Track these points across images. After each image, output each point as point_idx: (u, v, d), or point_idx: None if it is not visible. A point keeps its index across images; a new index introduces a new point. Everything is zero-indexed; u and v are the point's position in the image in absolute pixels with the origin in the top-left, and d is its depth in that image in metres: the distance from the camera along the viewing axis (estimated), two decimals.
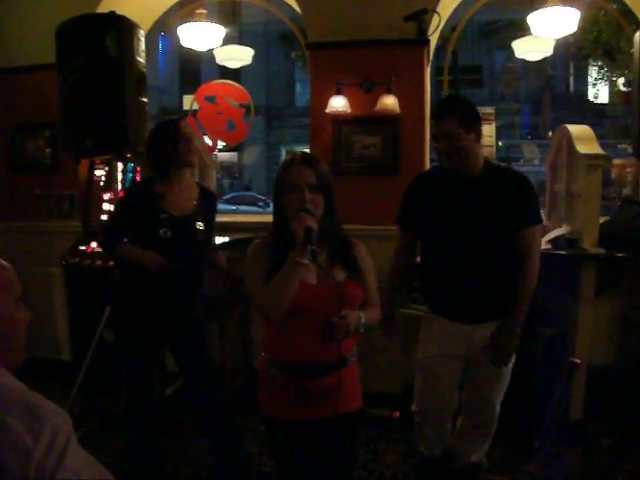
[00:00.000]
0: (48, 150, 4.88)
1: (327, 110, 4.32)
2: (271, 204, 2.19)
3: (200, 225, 2.98)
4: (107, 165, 4.54)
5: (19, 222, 4.93)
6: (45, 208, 4.89)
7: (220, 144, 5.56)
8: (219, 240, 3.63)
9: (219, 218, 3.27)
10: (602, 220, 3.81)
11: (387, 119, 4.32)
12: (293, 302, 1.93)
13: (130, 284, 3.04)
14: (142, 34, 3.71)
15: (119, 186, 4.18)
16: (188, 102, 6.22)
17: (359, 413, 2.18)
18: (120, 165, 4.21)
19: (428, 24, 4.26)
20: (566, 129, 3.87)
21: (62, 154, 4.53)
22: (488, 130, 4.61)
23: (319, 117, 4.43)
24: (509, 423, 3.02)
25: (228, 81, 5.63)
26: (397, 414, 3.88)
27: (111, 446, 3.63)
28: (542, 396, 3.32)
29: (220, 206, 3.42)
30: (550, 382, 3.23)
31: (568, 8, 4.19)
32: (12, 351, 1.26)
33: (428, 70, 4.62)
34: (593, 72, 17.24)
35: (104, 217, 4.48)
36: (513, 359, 2.70)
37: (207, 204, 3.09)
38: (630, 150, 5.58)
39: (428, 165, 4.46)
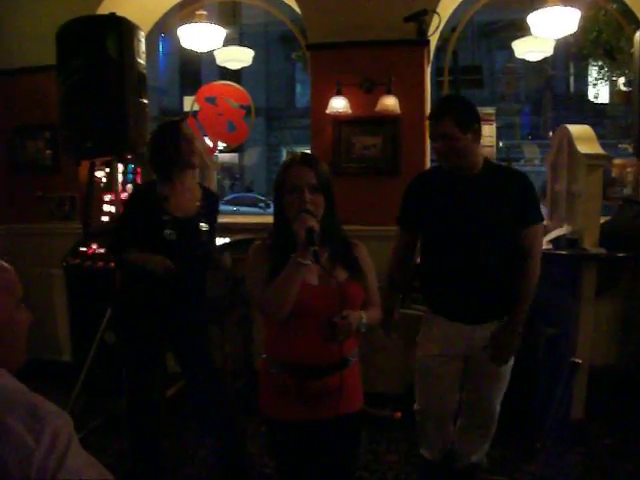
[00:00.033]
0: (48, 152, 4.88)
1: (327, 111, 4.33)
2: (272, 205, 2.19)
3: (204, 226, 2.99)
4: (108, 167, 4.55)
5: (20, 224, 4.93)
6: (46, 210, 4.89)
7: (221, 145, 5.56)
8: (219, 241, 3.62)
9: (220, 219, 3.27)
10: (603, 220, 3.81)
11: (387, 120, 4.33)
12: (295, 303, 1.93)
13: (133, 286, 3.04)
14: (142, 35, 3.72)
15: (119, 188, 4.18)
16: (188, 103, 6.22)
17: (361, 413, 2.18)
18: (120, 166, 4.21)
19: (428, 25, 4.26)
20: (566, 129, 3.87)
21: (62, 156, 4.54)
22: (488, 130, 4.61)
23: (319, 118, 4.43)
24: (510, 423, 3.02)
25: (228, 82, 5.63)
26: (399, 414, 3.88)
27: (112, 447, 3.64)
28: (543, 396, 3.32)
29: (221, 207, 3.42)
30: (551, 382, 3.23)
31: (568, 8, 4.19)
32: (13, 352, 1.26)
33: (428, 70, 4.62)
34: (593, 72, 17.22)
35: (105, 218, 4.49)
36: (512, 359, 2.69)
37: (210, 205, 3.09)
38: (630, 150, 5.58)
39: (428, 165, 4.46)
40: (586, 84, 21.12)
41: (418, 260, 2.89)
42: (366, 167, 4.41)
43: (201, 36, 5.08)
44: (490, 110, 4.76)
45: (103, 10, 4.38)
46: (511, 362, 2.70)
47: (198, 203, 3.02)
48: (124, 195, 4.59)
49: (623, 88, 11.25)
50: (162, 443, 3.22)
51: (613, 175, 5.34)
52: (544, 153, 15.79)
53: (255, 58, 6.37)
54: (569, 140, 3.82)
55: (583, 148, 3.65)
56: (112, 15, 3.53)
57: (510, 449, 3.46)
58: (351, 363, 2.08)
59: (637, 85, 4.08)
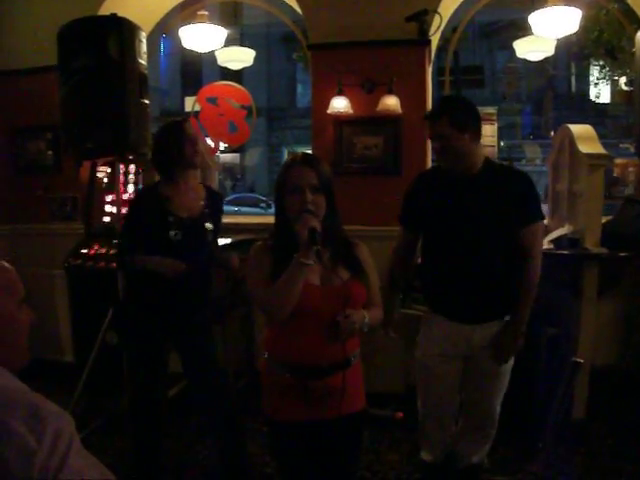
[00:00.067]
0: (50, 152, 4.89)
1: (329, 111, 4.33)
2: (273, 205, 2.19)
3: (209, 226, 2.99)
4: (110, 167, 4.55)
5: (21, 224, 4.94)
6: (47, 210, 4.90)
7: (222, 145, 5.57)
8: (221, 241, 3.62)
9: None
10: (604, 220, 3.81)
11: (389, 119, 4.33)
12: (297, 303, 1.93)
13: (138, 287, 3.05)
14: (144, 36, 3.71)
15: (121, 188, 4.19)
16: (190, 104, 6.23)
17: (363, 413, 2.18)
18: (122, 167, 4.22)
19: (429, 25, 4.26)
20: (568, 129, 3.87)
21: (64, 156, 4.54)
22: (490, 130, 4.62)
23: (321, 118, 4.43)
24: (511, 423, 3.02)
25: (230, 82, 5.64)
26: (400, 415, 3.88)
27: (114, 447, 3.64)
28: (545, 396, 3.32)
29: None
30: (552, 382, 3.23)
31: (569, 8, 4.19)
32: (14, 352, 1.26)
33: (429, 70, 4.62)
34: (595, 72, 17.22)
35: (107, 219, 4.49)
36: (512, 359, 2.69)
37: (214, 205, 3.09)
38: (632, 149, 5.58)
39: (429, 165, 4.46)
40: (587, 84, 21.11)
41: (419, 260, 2.89)
42: (367, 167, 4.41)
43: (202, 36, 5.08)
44: (491, 110, 4.76)
45: (104, 11, 4.39)
46: (511, 362, 2.70)
47: (202, 203, 3.02)
48: (125, 196, 4.60)
49: (624, 88, 11.24)
50: (163, 443, 3.22)
51: (615, 175, 5.35)
52: (545, 153, 15.80)
53: (256, 58, 6.37)
54: (570, 140, 3.82)
55: (584, 148, 3.65)
56: (113, 16, 3.53)
57: (511, 449, 3.45)
58: (353, 363, 2.08)
59: (638, 84, 4.08)
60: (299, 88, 24.38)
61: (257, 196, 20.93)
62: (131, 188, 4.71)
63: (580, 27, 4.51)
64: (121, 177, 4.25)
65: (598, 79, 16.30)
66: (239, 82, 6.02)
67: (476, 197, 2.59)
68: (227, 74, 6.97)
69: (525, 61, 6.87)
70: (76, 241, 4.66)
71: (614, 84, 15.97)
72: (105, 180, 4.62)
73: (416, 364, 2.84)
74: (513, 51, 5.79)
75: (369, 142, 4.40)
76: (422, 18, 4.18)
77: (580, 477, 3.22)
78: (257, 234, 3.82)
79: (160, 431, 3.15)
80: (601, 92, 19.37)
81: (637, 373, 3.81)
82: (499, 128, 4.85)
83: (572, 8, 4.19)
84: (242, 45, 6.85)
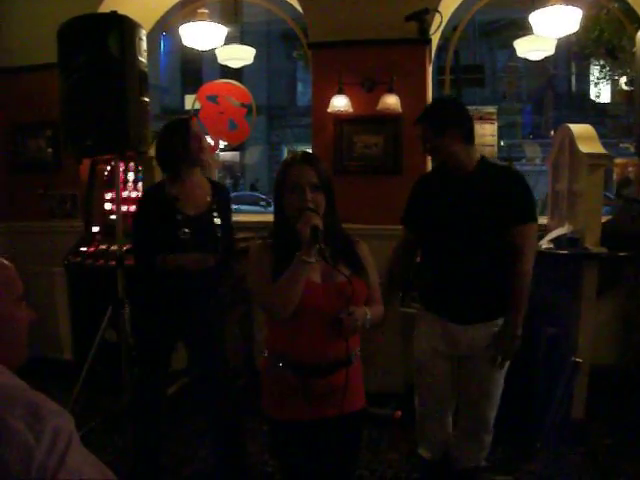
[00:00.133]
0: (50, 150, 4.88)
1: (329, 109, 4.33)
2: (272, 204, 2.18)
3: (217, 221, 2.99)
4: (109, 164, 4.56)
5: (21, 222, 4.94)
6: (47, 208, 4.90)
7: (222, 144, 5.57)
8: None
9: None
10: (604, 219, 3.81)
11: (389, 118, 4.32)
12: (299, 301, 1.92)
13: (148, 284, 3.05)
14: (144, 34, 3.71)
15: (121, 186, 4.19)
16: (190, 102, 6.23)
17: (362, 412, 2.18)
18: (122, 165, 4.21)
19: (430, 24, 4.26)
20: (568, 128, 3.87)
21: (64, 154, 4.53)
22: (490, 129, 4.63)
23: (321, 116, 4.43)
24: (511, 422, 3.02)
25: (230, 80, 5.63)
26: (399, 413, 3.88)
27: (113, 445, 3.65)
28: (544, 396, 3.32)
29: None
30: (552, 382, 3.23)
31: (570, 7, 4.18)
32: (13, 349, 1.26)
33: (430, 69, 4.62)
34: (595, 71, 17.20)
35: (112, 217, 4.48)
36: (506, 365, 2.68)
37: (221, 199, 3.09)
38: (632, 149, 5.58)
39: (429, 164, 4.46)
40: (588, 83, 21.11)
41: (419, 259, 2.91)
42: (367, 166, 4.41)
43: (202, 34, 5.08)
44: (491, 109, 4.76)
45: (104, 8, 4.38)
46: (504, 369, 2.68)
47: (209, 199, 3.02)
48: (125, 193, 4.60)
49: (625, 87, 11.24)
50: (162, 442, 3.22)
51: (615, 175, 5.35)
52: (545, 152, 15.81)
53: (256, 56, 6.36)
54: (570, 139, 3.81)
55: (584, 147, 3.65)
56: (113, 13, 3.52)
57: (511, 448, 3.46)
58: (354, 361, 2.08)
59: (639, 84, 4.08)
60: (299, 86, 24.39)
61: (257, 194, 20.93)
62: (131, 186, 4.72)
63: (580, 26, 4.51)
64: (121, 175, 4.25)
65: (598, 79, 16.28)
66: (239, 80, 6.02)
67: (467, 196, 2.61)
68: (227, 72, 6.96)
69: (525, 60, 6.86)
70: (76, 239, 4.67)
71: (614, 84, 15.97)
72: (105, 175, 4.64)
73: (413, 361, 2.87)
74: (513, 50, 5.78)
75: (369, 141, 4.40)
76: (422, 17, 4.17)
77: (579, 477, 3.22)
78: (256, 232, 3.83)
79: (161, 429, 3.15)
80: (601, 92, 19.38)
81: (636, 373, 3.81)
82: (499, 127, 4.85)
83: (572, 7, 4.19)
84: (242, 43, 6.82)
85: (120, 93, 3.47)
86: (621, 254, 3.60)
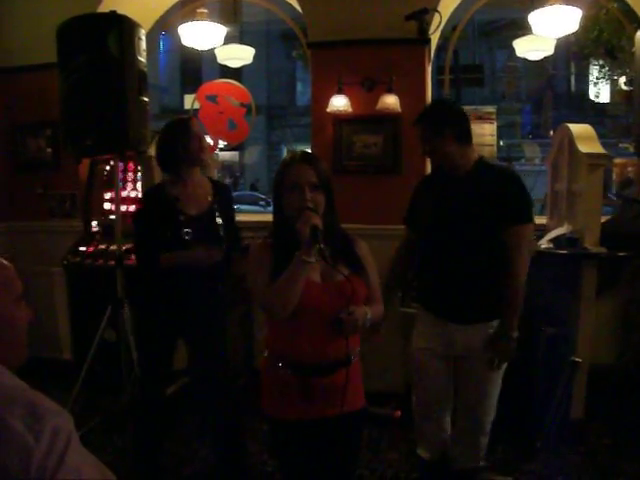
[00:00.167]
0: (49, 149, 4.88)
1: (328, 109, 4.32)
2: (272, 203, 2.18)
3: (219, 220, 2.99)
4: (109, 164, 4.56)
5: (20, 221, 4.93)
6: (46, 207, 4.89)
7: (221, 143, 5.57)
8: None
9: None
10: (603, 219, 3.81)
11: (388, 118, 4.32)
12: (299, 301, 1.92)
13: (150, 284, 3.05)
14: (143, 33, 3.71)
15: (120, 185, 4.19)
16: (189, 101, 6.23)
17: (362, 412, 2.18)
18: (121, 164, 4.21)
19: (429, 23, 4.26)
20: (567, 128, 3.87)
21: (63, 153, 4.53)
22: (489, 129, 4.62)
23: (320, 116, 4.43)
24: (510, 422, 3.02)
25: (229, 80, 5.63)
26: (398, 413, 3.89)
27: (113, 445, 3.65)
28: (543, 395, 3.32)
29: None
30: (551, 381, 3.24)
31: (569, 7, 4.18)
32: (12, 349, 1.26)
33: (429, 69, 4.61)
34: (594, 71, 17.23)
35: (112, 217, 4.49)
36: (503, 367, 2.67)
37: (222, 197, 3.09)
38: (631, 149, 5.58)
39: (428, 164, 4.46)
40: (587, 83, 21.12)
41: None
42: (367, 166, 4.41)
43: (202, 34, 5.07)
44: (491, 109, 4.76)
45: (104, 8, 4.38)
46: (501, 371, 2.68)
47: (210, 198, 3.02)
48: (124, 193, 4.60)
49: (624, 87, 11.24)
50: (162, 442, 3.22)
51: (614, 175, 5.35)
52: (545, 152, 15.78)
53: (256, 56, 6.35)
54: (570, 139, 3.81)
55: (584, 147, 3.65)
56: (113, 13, 3.52)
57: (510, 448, 3.46)
58: (354, 360, 2.08)
59: (638, 84, 4.08)
60: (299, 86, 24.37)
61: (256, 194, 20.91)
62: (130, 185, 4.72)
63: (580, 26, 4.50)
64: (120, 174, 4.25)
65: (598, 78, 16.31)
66: (239, 80, 6.02)
67: (462, 197, 2.62)
68: (227, 72, 6.96)
69: (525, 60, 6.86)
70: (75, 238, 4.67)
71: (614, 84, 15.98)
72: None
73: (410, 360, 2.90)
74: (513, 50, 5.77)
75: (368, 140, 4.40)
76: (422, 17, 4.17)
77: (579, 476, 3.22)
78: (256, 232, 3.82)
79: (161, 429, 3.15)
80: (600, 91, 19.38)
81: (636, 372, 3.81)
82: (498, 127, 4.85)
83: (572, 7, 4.19)
84: (242, 43, 6.82)
85: (119, 93, 3.47)
86: (620, 254, 3.60)
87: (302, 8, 4.58)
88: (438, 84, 5.99)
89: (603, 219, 3.82)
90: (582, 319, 3.59)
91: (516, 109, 21.99)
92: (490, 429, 2.78)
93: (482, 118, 4.64)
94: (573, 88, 22.87)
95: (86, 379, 3.74)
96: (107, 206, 4.68)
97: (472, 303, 2.64)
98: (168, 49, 22.03)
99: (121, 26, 3.51)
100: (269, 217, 2.19)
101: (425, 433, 2.91)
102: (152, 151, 4.12)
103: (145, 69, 3.68)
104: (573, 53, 17.22)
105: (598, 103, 20.71)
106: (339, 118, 4.40)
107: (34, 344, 1.41)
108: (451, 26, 5.32)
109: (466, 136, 2.66)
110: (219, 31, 5.15)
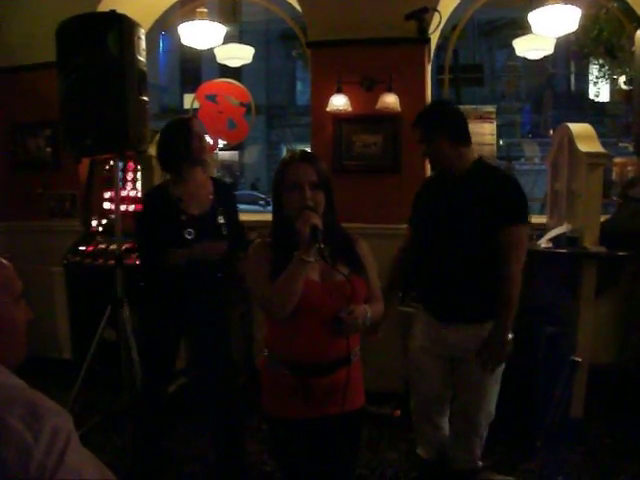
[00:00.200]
0: (49, 149, 4.88)
1: (328, 108, 4.32)
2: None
3: (221, 219, 2.98)
4: (108, 164, 4.56)
5: (20, 221, 4.93)
6: (46, 207, 4.89)
7: (221, 143, 5.57)
8: None
9: None
10: (603, 219, 3.81)
11: (388, 117, 4.32)
12: (298, 300, 1.92)
13: (153, 283, 3.04)
14: (143, 33, 3.71)
15: (119, 185, 4.19)
16: (189, 101, 6.23)
17: (362, 411, 2.18)
18: (120, 164, 4.21)
19: (429, 23, 4.25)
20: (567, 127, 3.87)
21: (63, 153, 4.53)
22: (489, 129, 4.62)
23: (320, 115, 4.43)
24: (510, 421, 3.02)
25: (229, 80, 5.63)
26: (398, 412, 3.89)
27: (112, 445, 3.64)
28: (543, 395, 3.32)
29: None
30: (551, 381, 3.24)
31: (569, 6, 4.18)
32: (12, 349, 1.26)
33: (429, 69, 4.61)
34: (594, 70, 17.20)
35: (112, 216, 4.49)
36: (499, 370, 2.66)
37: (224, 196, 3.08)
38: (631, 148, 5.57)
39: (428, 165, 4.46)
40: (587, 82, 21.11)
41: None
42: (366, 165, 4.40)
43: (201, 33, 5.07)
44: (491, 108, 4.76)
45: (103, 7, 4.38)
46: (498, 373, 2.67)
47: (211, 197, 3.02)
48: (124, 193, 4.60)
49: (624, 86, 11.23)
50: (163, 442, 3.22)
51: (614, 175, 5.34)
52: (544, 151, 15.77)
53: (255, 56, 6.36)
54: (569, 138, 3.81)
55: (584, 146, 3.65)
56: (112, 12, 3.52)
57: (510, 447, 3.45)
58: (353, 360, 2.08)
59: (638, 83, 4.08)
60: (298, 86, 24.37)
61: (256, 193, 20.91)
62: (130, 185, 4.73)
63: (579, 26, 4.50)
64: (119, 174, 4.25)
65: (597, 78, 16.27)
66: (238, 79, 6.01)
67: (458, 197, 2.64)
68: (226, 71, 6.95)
69: (524, 60, 6.86)
70: (75, 238, 4.67)
71: (613, 83, 15.97)
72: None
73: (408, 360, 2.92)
74: (512, 49, 5.78)
75: (368, 140, 4.39)
76: (421, 16, 4.17)
77: (579, 476, 3.22)
78: (256, 231, 3.82)
79: (162, 428, 3.14)
80: (600, 91, 19.34)
81: (635, 372, 3.81)
82: (498, 126, 4.84)
83: (571, 7, 4.19)
84: (241, 42, 6.82)
85: (119, 92, 3.47)
86: (620, 253, 3.60)
87: (302, 7, 4.58)
88: (438, 83, 5.99)
89: (603, 218, 3.82)
90: (582, 318, 3.59)
91: (516, 108, 22.00)
92: (487, 431, 2.77)
93: (482, 117, 4.64)
94: (573, 87, 22.88)
95: (86, 379, 3.74)
96: (107, 206, 4.68)
97: (464, 303, 2.64)
98: (168, 48, 22.02)
99: (121, 25, 3.51)
100: (269, 216, 2.19)
101: (423, 433, 2.93)
102: (152, 151, 4.12)
103: (145, 68, 3.68)
104: (573, 52, 17.23)
105: (598, 102, 20.70)
106: (339, 117, 4.39)
107: (34, 343, 1.41)
108: (451, 25, 5.32)
109: (463, 137, 2.67)
110: (219, 30, 5.15)
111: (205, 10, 5.08)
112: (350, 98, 4.30)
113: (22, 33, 4.77)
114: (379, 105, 4.21)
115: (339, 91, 4.29)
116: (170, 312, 2.97)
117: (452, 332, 2.67)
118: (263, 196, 19.81)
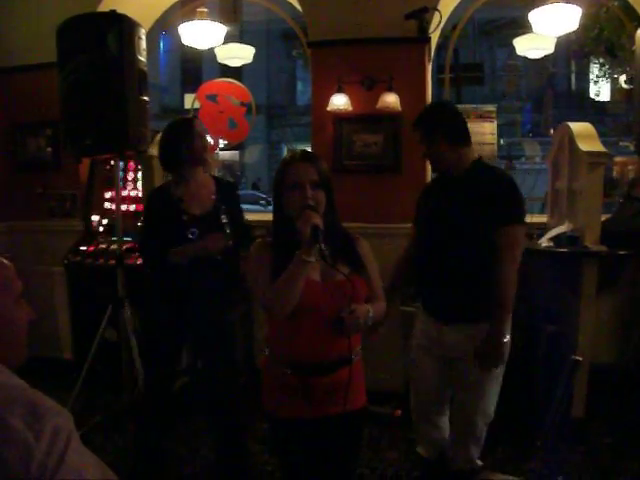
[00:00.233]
0: (49, 149, 4.88)
1: (328, 108, 4.32)
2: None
3: (224, 218, 2.96)
4: (109, 164, 4.56)
5: (21, 221, 4.93)
6: (47, 207, 4.89)
7: (221, 143, 5.57)
8: None
9: None
10: (604, 218, 3.81)
11: (388, 117, 4.31)
12: (298, 300, 1.92)
13: (157, 283, 3.04)
14: (143, 33, 3.71)
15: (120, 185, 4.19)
16: (189, 101, 6.23)
17: (363, 410, 2.18)
18: (121, 164, 4.21)
19: (429, 22, 4.25)
20: (568, 127, 3.87)
21: (63, 153, 4.53)
22: (489, 128, 4.62)
23: (320, 115, 4.43)
24: (511, 421, 3.02)
25: (229, 79, 5.63)
26: (399, 412, 3.89)
27: (113, 444, 3.64)
28: (544, 394, 3.32)
29: None
30: (552, 380, 3.23)
31: (569, 5, 4.18)
32: (13, 349, 1.26)
33: (429, 68, 4.61)
34: (594, 69, 17.21)
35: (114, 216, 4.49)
36: (498, 371, 2.65)
37: (226, 195, 3.07)
38: (632, 148, 5.56)
39: (429, 165, 4.46)
40: (587, 81, 21.11)
41: None
42: (367, 165, 4.40)
43: (202, 33, 5.07)
44: (491, 107, 4.75)
45: (104, 7, 4.38)
46: (495, 375, 2.65)
47: (213, 196, 3.01)
48: (124, 192, 4.60)
49: (624, 85, 11.23)
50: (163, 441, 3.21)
51: (614, 173, 5.33)
52: (545, 151, 15.79)
53: (256, 55, 6.35)
54: (570, 138, 3.81)
55: (584, 146, 3.65)
56: (113, 12, 3.52)
57: (510, 447, 3.46)
58: (355, 359, 2.08)
59: (638, 82, 4.07)
60: (299, 85, 24.36)
61: (257, 193, 20.90)
62: (130, 185, 4.73)
63: (580, 25, 4.50)
64: (120, 174, 4.25)
65: (598, 77, 16.28)
66: (239, 79, 6.01)
67: (455, 197, 2.66)
68: (227, 71, 6.95)
69: (525, 59, 6.86)
70: (75, 238, 4.67)
71: (614, 82, 15.98)
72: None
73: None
74: (513, 49, 5.77)
75: (369, 140, 4.39)
76: (422, 15, 4.17)
77: (579, 475, 3.22)
78: (264, 229, 3.82)
79: (164, 428, 3.13)
80: (601, 90, 19.39)
81: (636, 371, 3.80)
82: (499, 126, 4.84)
83: (572, 6, 4.19)
84: (242, 42, 6.82)
85: (119, 92, 3.47)
86: (621, 252, 3.60)
87: (302, 7, 4.58)
88: (438, 83, 6.00)
89: (604, 217, 3.82)
90: (582, 317, 3.58)
91: (516, 108, 21.98)
92: (485, 431, 2.77)
93: (482, 117, 4.64)
94: (573, 86, 22.85)
95: (87, 378, 3.74)
96: (107, 205, 4.69)
97: (461, 302, 2.64)
98: (168, 48, 22.02)
99: (121, 25, 3.51)
100: (269, 216, 2.19)
101: (422, 432, 2.93)
102: (152, 151, 4.13)
103: (145, 68, 3.68)
104: (573, 51, 17.20)
105: (598, 101, 20.71)
106: (339, 117, 4.39)
107: (34, 343, 1.41)
108: (451, 25, 5.32)
109: (462, 138, 2.69)
110: (219, 30, 5.15)
111: (205, 10, 5.08)
112: (350, 98, 4.30)
113: (22, 33, 4.78)
114: (379, 104, 4.21)
115: (339, 91, 4.29)
116: (174, 312, 2.96)
117: (448, 332, 2.68)
118: (264, 196, 19.81)
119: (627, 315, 4.02)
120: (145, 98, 3.66)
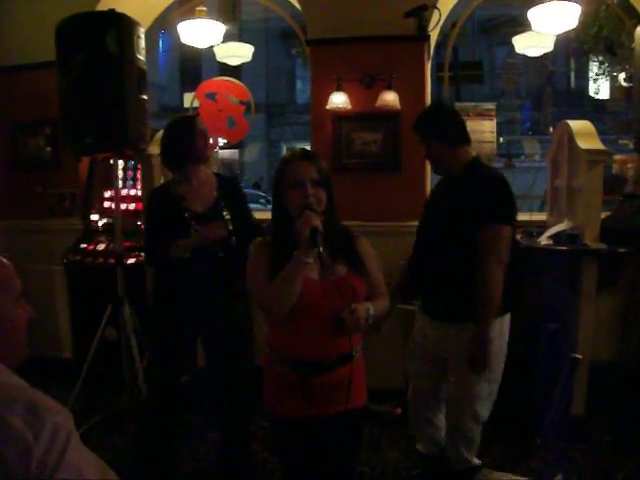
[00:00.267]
0: (49, 148, 4.87)
1: (327, 106, 4.32)
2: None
3: (226, 214, 2.95)
4: (108, 163, 4.55)
5: (20, 220, 4.93)
6: (46, 206, 4.89)
7: (221, 141, 5.56)
8: None
9: None
10: (603, 215, 3.81)
11: (387, 115, 4.31)
12: (297, 298, 1.92)
13: (168, 279, 3.03)
14: (142, 31, 3.71)
15: (120, 184, 4.19)
16: (189, 99, 6.23)
17: (364, 409, 2.18)
18: (121, 163, 4.21)
19: (428, 20, 4.25)
20: (567, 125, 3.87)
21: (63, 152, 4.53)
22: (489, 126, 4.63)
23: (320, 114, 4.42)
24: (511, 419, 3.02)
25: (228, 78, 5.63)
26: (399, 410, 3.89)
27: (113, 444, 3.64)
28: (544, 392, 3.32)
29: None
30: (552, 378, 3.23)
31: (568, 3, 4.17)
32: (12, 348, 1.25)
33: (428, 66, 4.60)
34: (594, 67, 17.18)
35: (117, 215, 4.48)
36: (489, 373, 2.63)
37: (228, 191, 3.05)
38: (631, 145, 5.57)
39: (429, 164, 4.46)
40: (587, 79, 21.08)
41: None
42: (366, 163, 4.40)
43: (201, 32, 5.06)
44: (490, 106, 4.75)
45: (103, 6, 4.37)
46: (487, 375, 2.62)
47: (215, 193, 3.00)
48: (124, 191, 4.60)
49: (624, 83, 11.23)
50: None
51: (614, 171, 5.34)
52: (544, 148, 15.76)
53: (255, 54, 6.35)
54: (569, 136, 3.81)
55: (583, 144, 3.65)
56: (112, 11, 3.52)
57: (510, 445, 3.46)
58: (355, 358, 2.08)
59: (638, 80, 4.08)
60: (298, 84, 24.33)
61: (257, 192, 20.89)
62: (130, 184, 4.73)
63: (579, 23, 4.49)
64: (120, 173, 4.25)
65: (597, 75, 16.25)
66: (238, 78, 6.01)
67: (449, 198, 2.68)
68: (226, 70, 6.95)
69: (524, 57, 6.87)
70: (75, 237, 4.67)
71: (613, 80, 15.95)
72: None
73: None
74: (512, 47, 5.77)
75: (368, 138, 4.39)
76: (421, 13, 4.16)
77: (579, 473, 3.22)
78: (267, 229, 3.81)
79: (170, 428, 3.11)
80: (600, 88, 19.35)
81: (636, 369, 3.81)
82: (498, 124, 4.84)
83: (571, 4, 4.18)
84: (241, 41, 6.83)
85: (118, 91, 3.47)
86: (620, 250, 3.60)
87: (301, 5, 4.58)
88: (437, 81, 5.99)
89: (603, 215, 3.82)
90: (582, 315, 3.58)
91: (516, 106, 21.95)
92: (476, 431, 2.75)
93: (482, 115, 4.64)
94: (573, 84, 22.84)
95: (86, 378, 3.74)
96: (107, 204, 4.69)
97: (448, 301, 2.67)
98: (167, 47, 21.98)
99: (120, 24, 3.51)
100: (269, 215, 2.18)
101: (420, 429, 2.95)
102: (152, 149, 4.13)
103: (144, 67, 3.68)
104: (573, 49, 17.19)
105: (598, 99, 20.67)
106: (338, 115, 4.39)
107: (34, 343, 1.41)
108: (450, 23, 5.31)
109: (460, 138, 2.71)
110: (218, 29, 5.14)
111: (204, 8, 5.07)
112: (350, 96, 4.29)
113: (21, 32, 4.77)
114: (379, 103, 4.21)
115: (339, 89, 4.29)
116: (178, 310, 2.94)
117: (438, 330, 2.71)
118: (264, 194, 19.80)
119: (627, 313, 4.03)
120: (144, 97, 3.66)
